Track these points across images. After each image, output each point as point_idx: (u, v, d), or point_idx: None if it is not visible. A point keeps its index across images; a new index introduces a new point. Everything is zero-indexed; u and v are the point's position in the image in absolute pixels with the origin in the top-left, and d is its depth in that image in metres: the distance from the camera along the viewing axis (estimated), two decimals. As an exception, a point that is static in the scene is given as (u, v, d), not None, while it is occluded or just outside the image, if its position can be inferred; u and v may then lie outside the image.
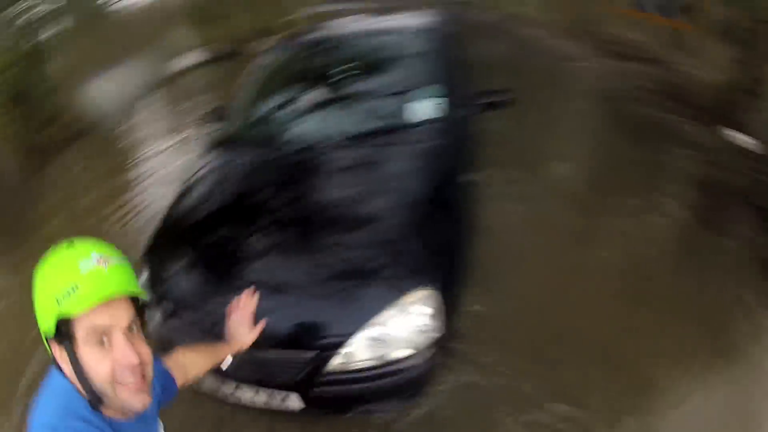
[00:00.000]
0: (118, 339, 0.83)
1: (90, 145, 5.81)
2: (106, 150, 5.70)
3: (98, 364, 0.81)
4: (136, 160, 5.10)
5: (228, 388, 1.82)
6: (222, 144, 2.77)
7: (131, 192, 4.40)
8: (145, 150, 5.31)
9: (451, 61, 2.91)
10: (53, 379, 0.87)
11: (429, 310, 1.74)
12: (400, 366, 1.73)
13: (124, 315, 0.84)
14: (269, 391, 1.79)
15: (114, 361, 0.82)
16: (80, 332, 0.81)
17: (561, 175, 3.69)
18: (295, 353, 1.72)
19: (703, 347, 2.24)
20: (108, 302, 0.82)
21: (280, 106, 2.87)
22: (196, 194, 2.42)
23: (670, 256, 2.84)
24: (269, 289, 1.69)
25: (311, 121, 2.69)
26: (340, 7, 16.77)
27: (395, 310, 1.71)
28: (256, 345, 1.49)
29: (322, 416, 2.00)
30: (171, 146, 5.28)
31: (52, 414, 0.82)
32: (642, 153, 4.06)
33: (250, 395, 1.81)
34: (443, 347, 1.83)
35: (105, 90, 6.66)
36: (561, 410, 1.99)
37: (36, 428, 0.81)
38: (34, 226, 4.06)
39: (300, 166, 2.35)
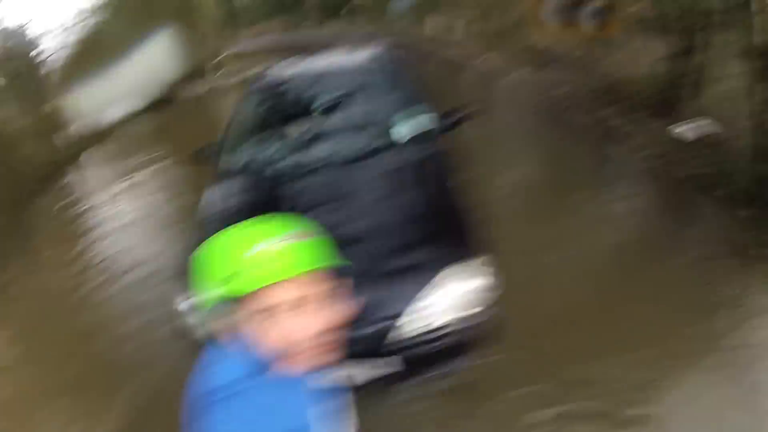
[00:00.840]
0: (311, 309, 0.87)
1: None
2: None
3: (288, 332, 0.86)
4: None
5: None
6: (223, 178, 2.92)
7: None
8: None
9: (413, 86, 3.30)
10: (219, 349, 0.91)
11: (491, 270, 2.12)
12: (470, 323, 2.05)
13: (317, 286, 0.89)
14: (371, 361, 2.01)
15: (306, 329, 0.87)
16: (274, 301, 0.85)
17: (524, 179, 4.08)
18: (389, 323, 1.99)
19: (686, 332, 2.42)
20: (305, 275, 0.87)
21: (271, 142, 3.08)
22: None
23: (640, 249, 3.04)
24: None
25: (307, 151, 2.91)
26: (251, 46, 16.95)
27: (466, 272, 2.08)
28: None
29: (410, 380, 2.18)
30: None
31: (234, 376, 0.85)
32: (590, 154, 4.45)
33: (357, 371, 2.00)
34: (495, 306, 2.15)
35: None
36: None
37: (221, 392, 0.84)
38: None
39: (314, 190, 2.60)
